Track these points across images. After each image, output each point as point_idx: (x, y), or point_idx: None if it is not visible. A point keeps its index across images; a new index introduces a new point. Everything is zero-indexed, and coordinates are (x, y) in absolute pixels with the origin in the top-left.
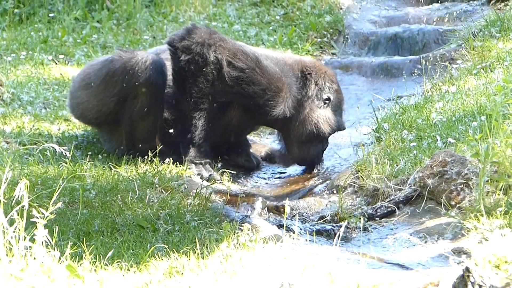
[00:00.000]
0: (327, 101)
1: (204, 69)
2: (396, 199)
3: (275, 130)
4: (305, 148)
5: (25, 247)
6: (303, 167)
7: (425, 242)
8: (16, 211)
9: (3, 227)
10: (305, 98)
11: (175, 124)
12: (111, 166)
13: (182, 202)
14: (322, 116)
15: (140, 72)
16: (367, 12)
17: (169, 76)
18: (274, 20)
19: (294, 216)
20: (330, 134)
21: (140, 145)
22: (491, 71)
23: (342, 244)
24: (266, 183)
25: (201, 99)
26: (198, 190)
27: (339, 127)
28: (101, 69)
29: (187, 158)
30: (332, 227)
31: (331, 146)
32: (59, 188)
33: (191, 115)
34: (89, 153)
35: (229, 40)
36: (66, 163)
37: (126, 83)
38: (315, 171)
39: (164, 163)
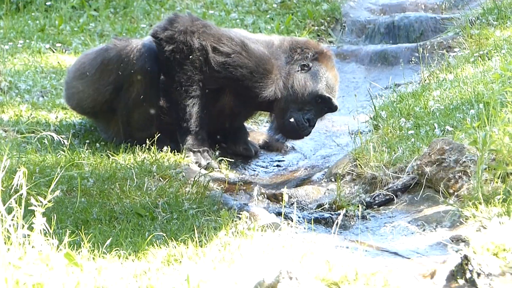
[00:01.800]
0: (305, 68)
1: (190, 56)
2: (394, 187)
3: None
4: (285, 116)
5: (24, 236)
6: (300, 154)
7: (423, 230)
8: (14, 199)
9: (1, 215)
10: (290, 69)
11: (171, 113)
12: (109, 154)
13: (180, 190)
14: (298, 78)
15: (135, 60)
16: (364, 0)
17: None
18: (271, 8)
19: (292, 204)
20: (306, 99)
21: (137, 133)
22: (489, 59)
23: (340, 232)
24: (264, 171)
25: (191, 87)
26: (196, 178)
27: (319, 94)
28: (96, 58)
29: (185, 146)
30: (330, 215)
31: (328, 134)
32: (57, 176)
33: (184, 104)
34: (87, 141)
35: (212, 26)
36: (64, 152)
37: (121, 71)
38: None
39: (162, 151)
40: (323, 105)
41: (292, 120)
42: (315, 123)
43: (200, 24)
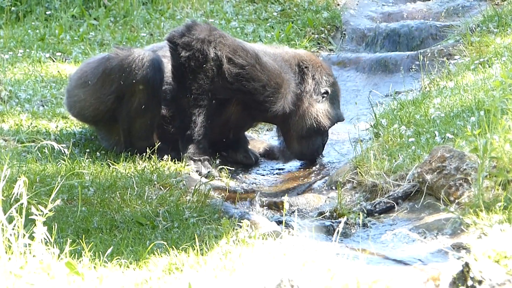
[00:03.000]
0: (325, 95)
1: (204, 65)
2: (395, 194)
3: (273, 127)
4: (305, 142)
5: (24, 245)
6: (301, 163)
7: (424, 237)
8: (15, 208)
9: (2, 224)
10: (304, 93)
11: (174, 121)
12: (109, 163)
13: (181, 198)
14: (321, 110)
15: (137, 70)
16: (364, 8)
17: (167, 73)
18: (272, 16)
19: (293, 212)
20: (330, 127)
21: (138, 142)
22: (489, 66)
23: (341, 240)
24: (265, 179)
25: (200, 96)
26: (197, 187)
27: (338, 119)
28: (97, 67)
29: (185, 154)
30: (331, 223)
31: (329, 141)
32: (57, 186)
33: (191, 112)
34: (87, 150)
35: (229, 37)
36: (65, 161)
37: (123, 80)
38: (314, 166)
39: (162, 160)
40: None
41: (314, 148)
42: None
43: (218, 34)
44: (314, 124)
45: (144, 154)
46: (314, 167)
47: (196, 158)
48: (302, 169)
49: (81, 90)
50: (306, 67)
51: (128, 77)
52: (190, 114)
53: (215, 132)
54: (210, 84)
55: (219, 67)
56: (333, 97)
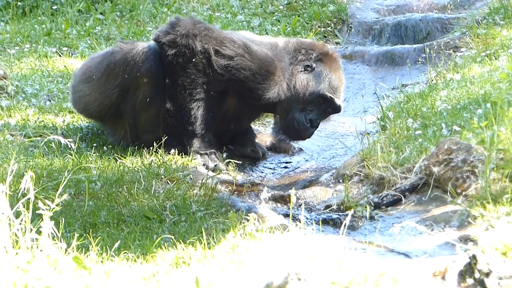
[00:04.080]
0: (308, 68)
1: (193, 59)
2: (402, 187)
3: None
4: (288, 116)
5: (32, 239)
6: (308, 156)
7: (432, 230)
8: (22, 203)
9: (10, 219)
10: (293, 70)
11: (176, 116)
12: (116, 157)
13: (188, 192)
14: (300, 79)
15: (140, 63)
16: (370, 1)
17: None
18: (278, 10)
19: (300, 205)
20: (308, 98)
21: (144, 136)
22: (496, 59)
23: (349, 233)
24: (272, 172)
25: (195, 90)
26: (203, 181)
27: (321, 94)
28: (102, 61)
29: (192, 149)
30: (339, 216)
31: (336, 135)
32: (64, 180)
33: (189, 107)
34: (94, 144)
35: (214, 29)
36: (72, 155)
37: (128, 74)
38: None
39: (169, 154)
40: (326, 105)
41: (293, 120)
42: (318, 124)
43: (202, 27)
44: (293, 92)
45: (151, 148)
46: (320, 161)
47: (202, 152)
48: (309, 162)
49: (86, 85)
50: (303, 48)
51: (132, 71)
52: (189, 110)
53: (216, 124)
54: (203, 77)
55: (208, 59)
56: (319, 74)
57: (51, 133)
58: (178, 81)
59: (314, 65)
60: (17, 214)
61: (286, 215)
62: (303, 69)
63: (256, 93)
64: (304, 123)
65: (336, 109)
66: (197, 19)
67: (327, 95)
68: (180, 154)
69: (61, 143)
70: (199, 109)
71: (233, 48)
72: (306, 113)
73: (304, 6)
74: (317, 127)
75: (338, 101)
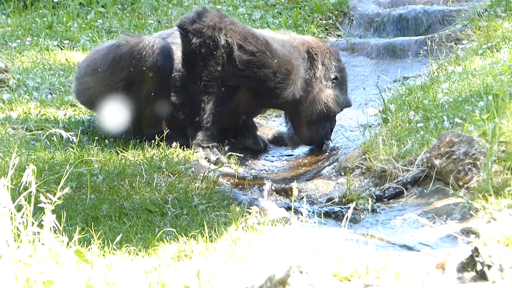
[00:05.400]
0: (335, 81)
1: (214, 52)
2: (404, 180)
3: (282, 113)
4: (314, 128)
5: (33, 233)
6: (309, 148)
7: (434, 222)
8: (23, 197)
9: (11, 213)
10: (313, 79)
11: (183, 108)
12: (118, 150)
13: (189, 185)
14: (331, 95)
15: (147, 57)
16: None
17: (176, 60)
18: (279, 2)
19: (302, 198)
20: (339, 112)
21: (147, 130)
22: (497, 51)
23: (351, 226)
24: (274, 165)
25: (210, 83)
26: (205, 174)
27: (347, 104)
28: (107, 54)
29: (194, 141)
30: (340, 209)
31: (338, 128)
32: (66, 174)
33: (200, 98)
34: (96, 138)
35: (239, 24)
36: (73, 148)
37: (133, 67)
38: (323, 152)
39: (171, 147)
40: None
41: (322, 133)
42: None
43: (228, 21)
44: (324, 110)
45: (153, 141)
46: (322, 153)
47: (205, 145)
48: (310, 155)
49: (91, 77)
50: (315, 54)
51: (138, 64)
52: (200, 101)
53: (224, 119)
54: (221, 71)
55: (229, 54)
56: (342, 83)
57: (53, 127)
58: (196, 71)
59: (338, 76)
60: (19, 208)
61: (288, 208)
62: (331, 84)
63: (273, 92)
64: (329, 134)
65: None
66: (223, 12)
67: (350, 104)
68: (182, 147)
69: (62, 137)
70: (209, 102)
71: (256, 45)
72: (331, 123)
73: None
74: None
75: (352, 101)
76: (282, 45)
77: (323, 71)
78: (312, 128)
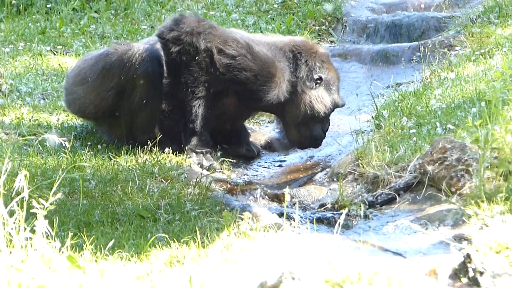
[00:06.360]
0: (319, 81)
1: (196, 57)
2: (397, 186)
3: (274, 119)
4: (303, 130)
5: (26, 238)
6: (302, 155)
7: (426, 229)
8: (16, 202)
9: (3, 218)
10: (298, 80)
11: (173, 115)
12: (110, 156)
13: (182, 191)
14: (314, 96)
15: (137, 64)
16: None
17: (164, 66)
18: (272, 8)
19: (294, 204)
20: (327, 114)
21: (139, 136)
22: (490, 57)
23: (343, 232)
24: (266, 171)
25: (197, 88)
26: (198, 179)
27: (336, 104)
28: (96, 63)
29: (187, 147)
30: (333, 215)
31: (330, 134)
32: (59, 179)
33: (190, 105)
34: (89, 143)
35: (218, 28)
36: (66, 154)
37: (124, 75)
38: (315, 157)
39: (163, 152)
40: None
41: (312, 135)
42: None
43: (206, 25)
44: (308, 111)
45: (145, 147)
46: (315, 159)
47: (198, 150)
48: (303, 161)
49: (80, 87)
50: (299, 53)
51: (129, 72)
52: (190, 107)
53: (216, 123)
54: (206, 75)
55: (211, 58)
56: (329, 83)
57: (45, 132)
58: (181, 78)
59: (323, 76)
60: (11, 213)
61: (281, 214)
62: (314, 84)
63: (256, 95)
64: (322, 136)
65: (341, 106)
66: (201, 16)
67: (340, 103)
68: (175, 153)
69: (55, 142)
70: (200, 107)
71: (236, 48)
72: (323, 125)
73: (298, 4)
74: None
75: (344, 100)
76: (268, 48)
77: (307, 71)
78: (301, 130)
